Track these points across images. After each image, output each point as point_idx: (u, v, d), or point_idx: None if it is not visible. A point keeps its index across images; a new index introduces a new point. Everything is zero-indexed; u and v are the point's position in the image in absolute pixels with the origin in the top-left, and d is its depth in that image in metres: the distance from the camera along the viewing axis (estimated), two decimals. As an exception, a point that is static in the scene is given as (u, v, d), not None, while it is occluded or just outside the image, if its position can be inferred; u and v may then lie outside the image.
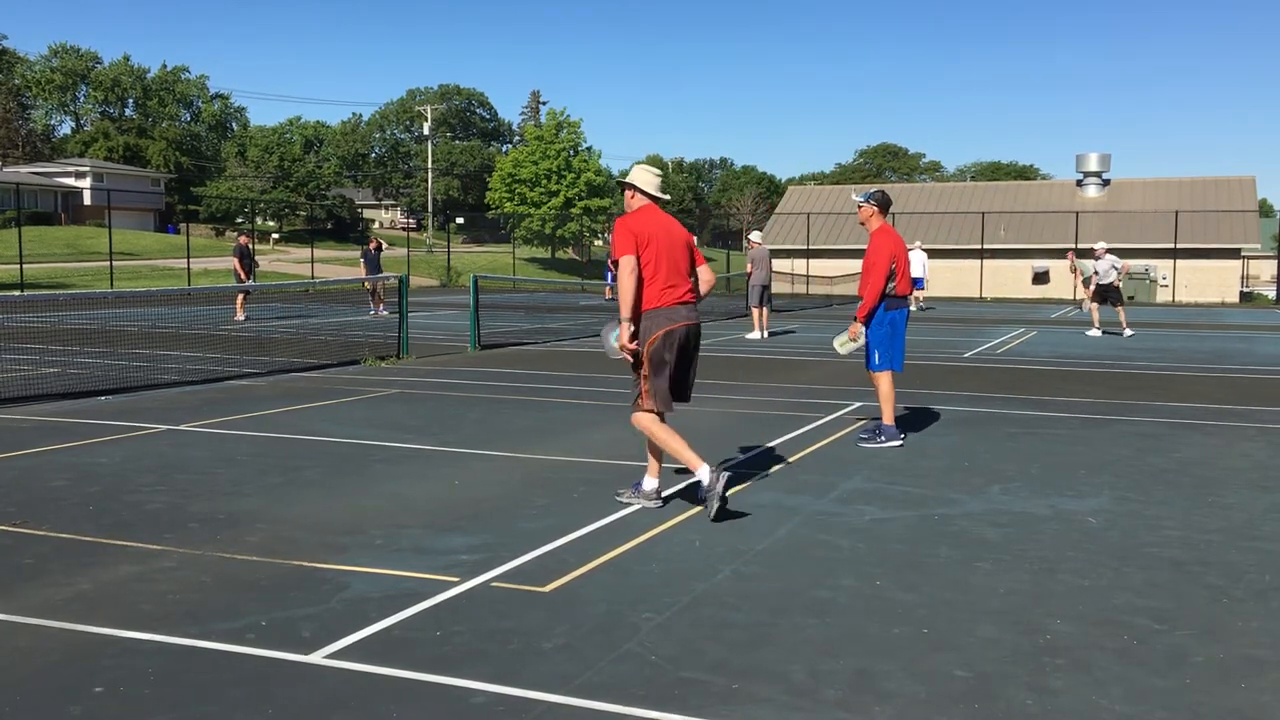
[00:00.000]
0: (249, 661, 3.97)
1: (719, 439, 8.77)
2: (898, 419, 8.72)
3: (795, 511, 6.34)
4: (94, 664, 3.93)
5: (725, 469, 7.44)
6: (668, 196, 6.55)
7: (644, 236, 6.15)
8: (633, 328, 6.14)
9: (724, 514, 6.06)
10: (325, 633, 4.24)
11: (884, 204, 8.55)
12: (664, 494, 6.55)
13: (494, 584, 4.91)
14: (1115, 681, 3.88)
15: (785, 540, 5.72)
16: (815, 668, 3.97)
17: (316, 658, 4.00)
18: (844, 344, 8.95)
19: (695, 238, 6.51)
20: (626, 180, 6.42)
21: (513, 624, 4.38)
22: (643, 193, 6.39)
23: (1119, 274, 21.46)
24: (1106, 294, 21.48)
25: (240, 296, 23.49)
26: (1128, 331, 21.63)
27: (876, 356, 8.57)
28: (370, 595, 4.72)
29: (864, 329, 8.53)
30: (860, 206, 8.57)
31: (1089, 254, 22.76)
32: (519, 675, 3.85)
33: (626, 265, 6.08)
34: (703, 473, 6.08)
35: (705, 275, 6.54)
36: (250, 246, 24.86)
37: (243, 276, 23.82)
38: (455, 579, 4.95)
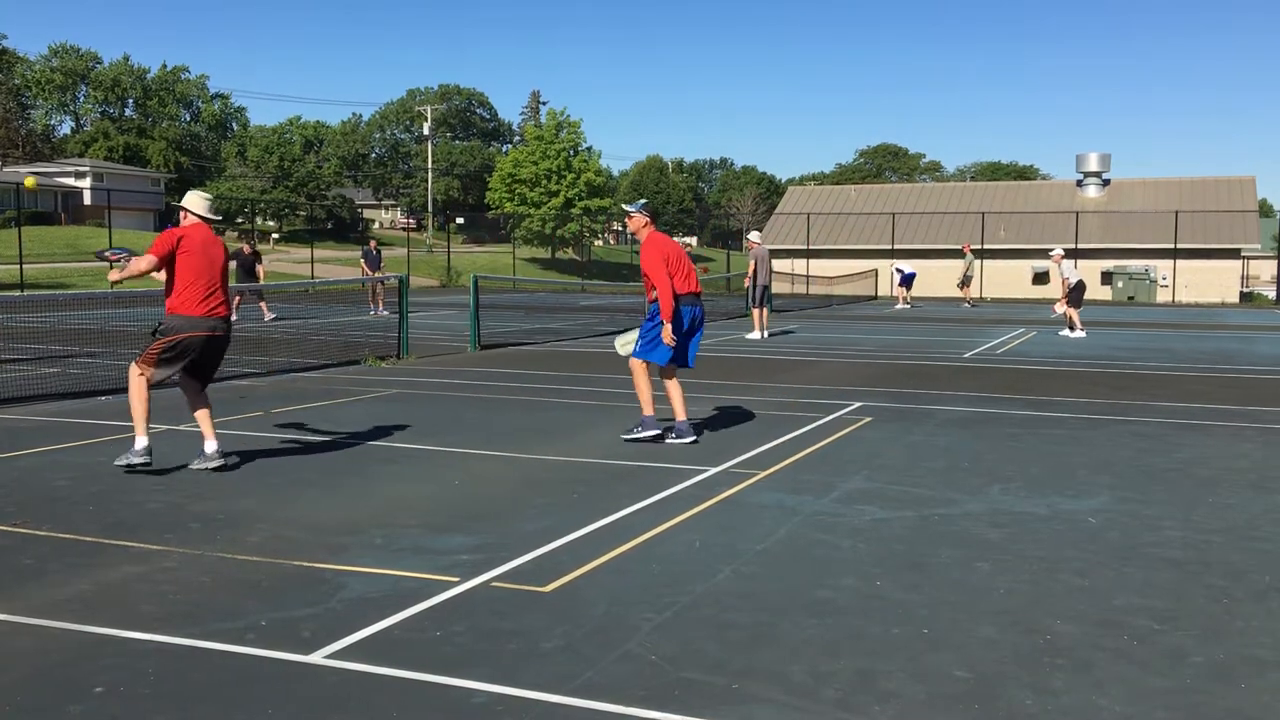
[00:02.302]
0: (249, 661, 3.97)
1: (720, 438, 8.77)
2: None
3: (795, 511, 6.35)
4: (94, 664, 3.93)
5: (728, 467, 7.46)
6: (217, 218, 7.65)
7: (185, 243, 7.25)
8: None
9: (133, 469, 7.13)
10: (325, 633, 4.24)
11: (653, 214, 9.15)
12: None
13: (494, 584, 4.91)
14: (1115, 681, 3.88)
15: (785, 540, 5.72)
16: (815, 668, 3.97)
17: (316, 658, 4.00)
18: (625, 344, 9.22)
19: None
20: (180, 204, 7.53)
21: (513, 624, 4.38)
22: (194, 214, 7.45)
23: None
24: (1074, 294, 21.74)
25: (236, 298, 23.63)
26: (1074, 334, 21.82)
27: (638, 345, 8.75)
28: (370, 595, 4.72)
29: (666, 325, 8.45)
30: (631, 217, 8.98)
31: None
32: (519, 675, 3.85)
33: (147, 262, 7.22)
34: (140, 442, 7.13)
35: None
36: (251, 251, 24.90)
37: (241, 279, 24.05)
38: (455, 579, 4.95)
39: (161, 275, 7.33)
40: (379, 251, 28.18)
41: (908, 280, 34.75)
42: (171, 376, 7.42)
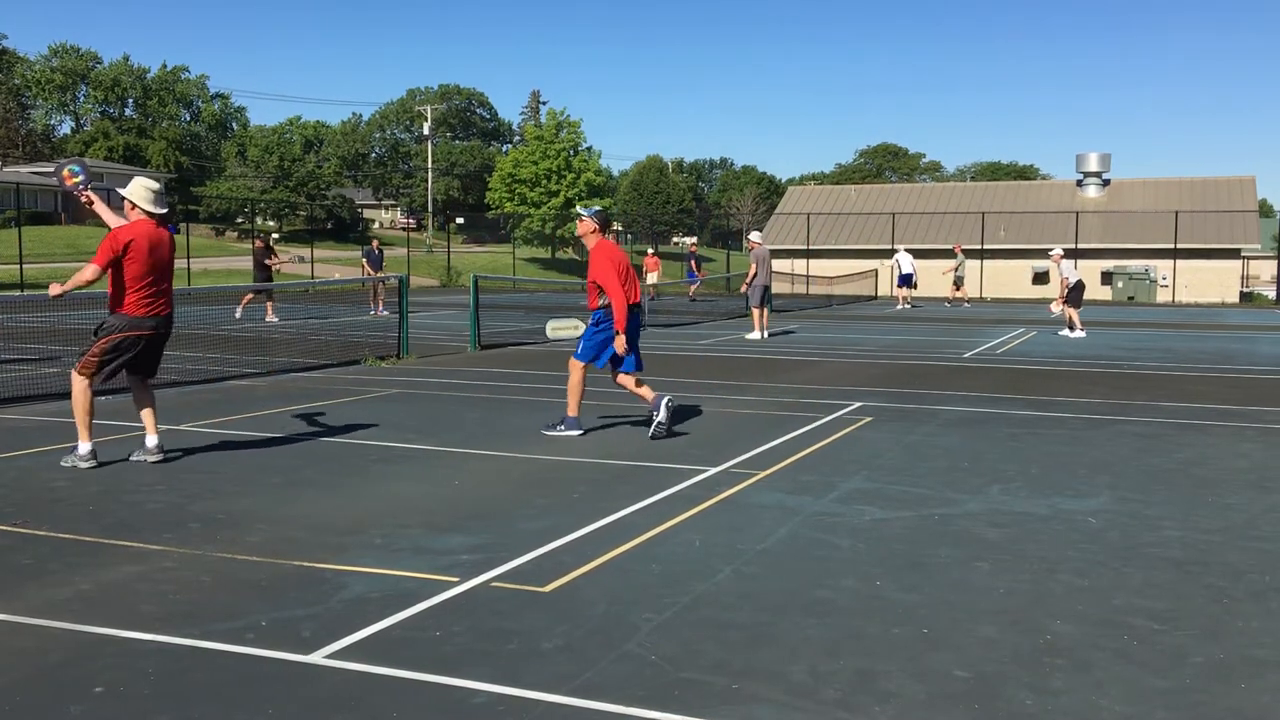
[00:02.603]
0: (249, 661, 3.97)
1: (720, 439, 8.77)
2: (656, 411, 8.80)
3: (795, 511, 6.35)
4: (94, 664, 3.93)
5: (728, 467, 7.47)
6: (163, 210, 7.34)
7: (131, 249, 7.13)
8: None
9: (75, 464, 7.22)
10: (325, 633, 4.24)
11: (605, 222, 9.20)
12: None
13: (494, 584, 4.91)
14: (1115, 681, 3.88)
15: (785, 540, 5.72)
16: (815, 668, 3.97)
17: (316, 658, 4.00)
18: (556, 329, 9.71)
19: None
20: (123, 193, 7.29)
21: (513, 624, 4.38)
22: (141, 208, 7.28)
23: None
24: (1074, 294, 21.82)
25: (248, 296, 23.74)
26: (1073, 334, 21.82)
27: (581, 347, 9.01)
28: (370, 595, 4.72)
29: (620, 336, 8.68)
30: (582, 220, 9.07)
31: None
32: (519, 675, 3.85)
33: (92, 272, 7.11)
34: (83, 447, 7.27)
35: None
36: (263, 245, 24.95)
37: (258, 277, 24.25)
38: (455, 579, 4.95)
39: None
40: (381, 251, 28.32)
41: (906, 280, 34.71)
42: (116, 376, 7.48)
